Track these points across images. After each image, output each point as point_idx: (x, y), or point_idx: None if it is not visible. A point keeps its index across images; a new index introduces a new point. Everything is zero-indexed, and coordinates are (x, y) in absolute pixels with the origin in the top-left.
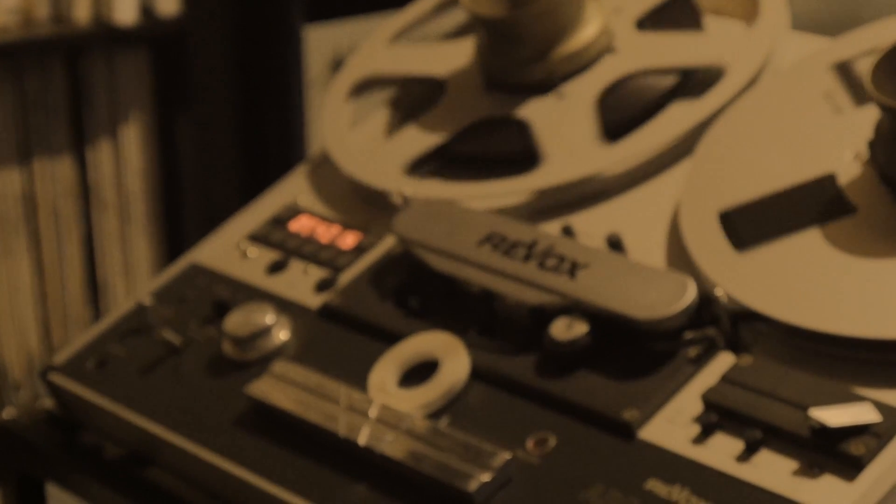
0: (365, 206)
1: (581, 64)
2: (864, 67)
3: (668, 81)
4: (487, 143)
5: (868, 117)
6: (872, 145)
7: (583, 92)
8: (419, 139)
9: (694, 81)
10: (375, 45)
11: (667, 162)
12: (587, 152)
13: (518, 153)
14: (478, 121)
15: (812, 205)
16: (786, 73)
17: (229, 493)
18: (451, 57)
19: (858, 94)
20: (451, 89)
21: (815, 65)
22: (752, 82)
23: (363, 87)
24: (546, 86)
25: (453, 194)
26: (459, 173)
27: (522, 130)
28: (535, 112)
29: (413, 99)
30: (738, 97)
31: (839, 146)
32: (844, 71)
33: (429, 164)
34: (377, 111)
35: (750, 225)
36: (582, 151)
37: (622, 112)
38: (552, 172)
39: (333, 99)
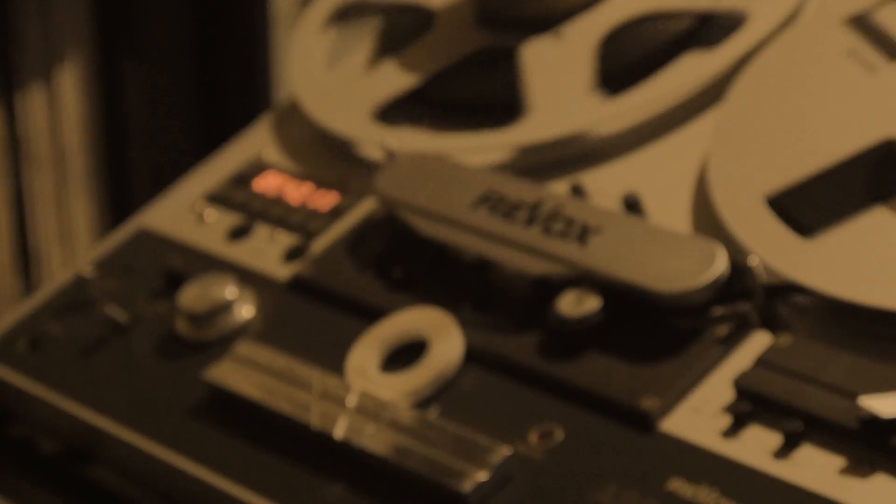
0: (341, 160)
1: (585, 0)
2: (887, 20)
3: (681, 27)
4: (469, 87)
5: None
6: None
7: (584, 33)
8: (394, 79)
9: (711, 28)
10: None
11: (688, 113)
12: (579, 105)
13: (503, 100)
14: (461, 60)
15: (872, 176)
16: (801, 27)
17: (183, 493)
18: None
19: (890, 50)
20: (439, 22)
21: (827, 20)
22: (776, 32)
23: (341, 17)
24: (544, 23)
25: (428, 145)
26: (436, 121)
27: (510, 74)
28: (528, 53)
29: (398, 32)
30: (761, 48)
31: (885, 108)
32: (863, 26)
33: (403, 110)
34: (355, 47)
35: (807, 207)
36: (573, 103)
37: (626, 60)
38: (535, 126)
39: (305, 32)
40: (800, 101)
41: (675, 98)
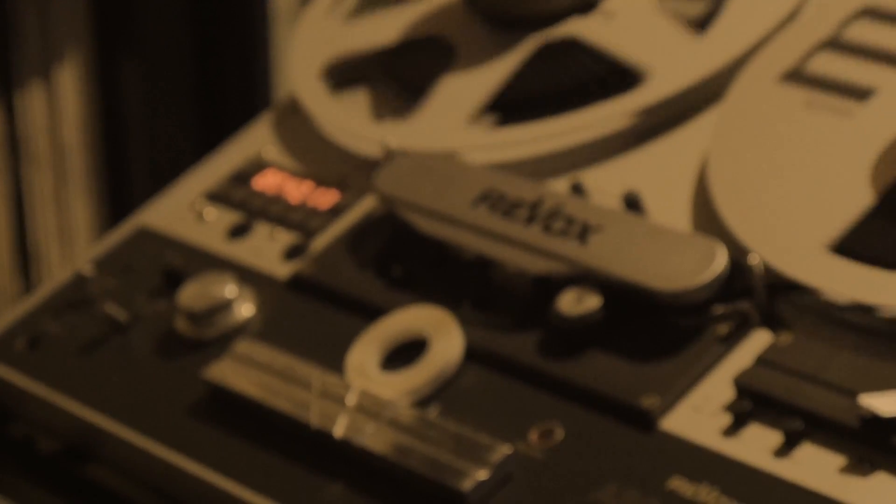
0: (341, 159)
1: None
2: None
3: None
4: (559, 76)
5: None
6: None
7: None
8: (468, 94)
9: None
10: None
11: (691, 110)
12: (690, 54)
13: (602, 75)
14: (532, 56)
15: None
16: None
17: (183, 492)
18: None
19: (853, 92)
20: (458, 48)
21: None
22: (793, 15)
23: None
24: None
25: (542, 132)
26: (534, 113)
27: (591, 53)
28: (593, 31)
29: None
30: (775, 34)
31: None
32: (803, 79)
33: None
34: None
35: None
36: (684, 53)
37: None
38: (662, 84)
39: (305, 30)
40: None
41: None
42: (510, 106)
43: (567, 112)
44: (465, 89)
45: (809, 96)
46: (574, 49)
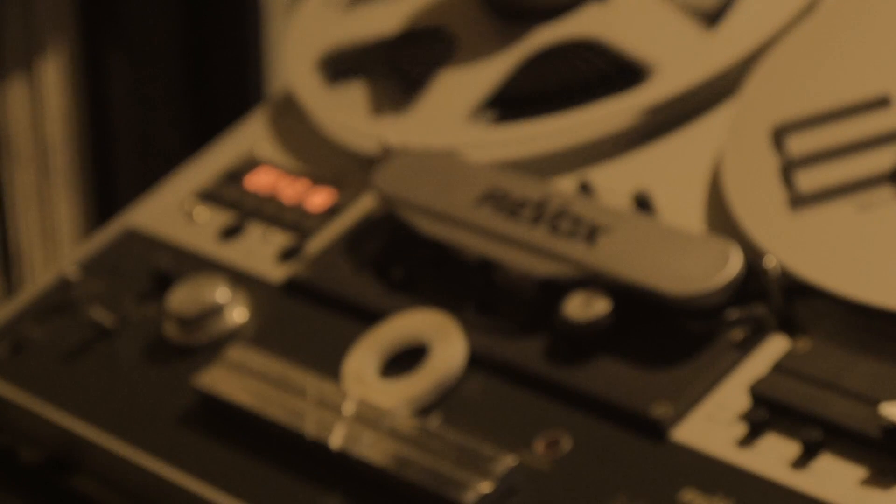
0: (337, 156)
1: None
2: None
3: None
4: (563, 71)
5: None
6: None
7: None
8: (469, 89)
9: None
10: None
11: (703, 106)
12: (698, 48)
13: (607, 71)
14: (538, 53)
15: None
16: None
17: None
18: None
19: None
20: (459, 39)
21: None
22: (810, 7)
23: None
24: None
25: (541, 131)
26: (537, 110)
27: (595, 47)
28: (599, 24)
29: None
30: (792, 27)
31: None
32: None
33: (491, 110)
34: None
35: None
36: (693, 48)
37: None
38: (669, 81)
39: (300, 23)
40: (820, 95)
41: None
42: (512, 102)
43: (571, 109)
44: (465, 83)
45: None
46: (580, 44)
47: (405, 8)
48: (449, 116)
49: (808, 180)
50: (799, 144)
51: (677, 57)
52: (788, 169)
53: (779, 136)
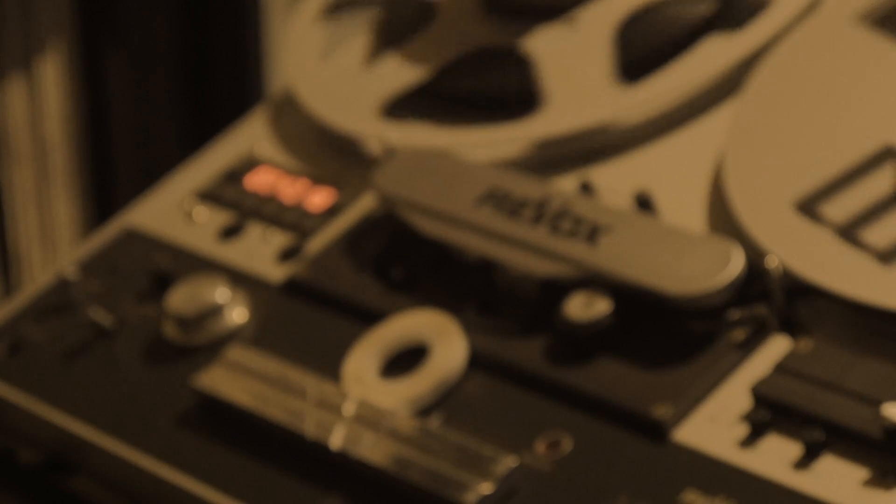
0: (338, 156)
1: None
2: None
3: (703, 10)
4: (481, 80)
5: None
6: None
7: (599, 19)
8: (399, 74)
9: (734, 10)
10: None
11: (705, 104)
12: (600, 94)
13: (517, 93)
14: (472, 51)
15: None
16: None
17: None
18: None
19: None
20: (442, 12)
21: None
22: (805, 13)
23: (338, 8)
24: (555, 10)
25: (438, 141)
26: (447, 116)
27: (524, 65)
28: (541, 42)
29: (398, 24)
30: (789, 29)
31: None
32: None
33: (410, 105)
34: (354, 38)
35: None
36: (593, 93)
37: (645, 46)
38: (555, 118)
39: (300, 23)
40: (824, 94)
41: (700, 84)
42: (436, 99)
43: (475, 121)
44: (396, 72)
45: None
46: (508, 54)
47: None
48: (366, 103)
49: (874, 235)
50: (833, 211)
51: (572, 98)
52: (848, 233)
53: (807, 208)
